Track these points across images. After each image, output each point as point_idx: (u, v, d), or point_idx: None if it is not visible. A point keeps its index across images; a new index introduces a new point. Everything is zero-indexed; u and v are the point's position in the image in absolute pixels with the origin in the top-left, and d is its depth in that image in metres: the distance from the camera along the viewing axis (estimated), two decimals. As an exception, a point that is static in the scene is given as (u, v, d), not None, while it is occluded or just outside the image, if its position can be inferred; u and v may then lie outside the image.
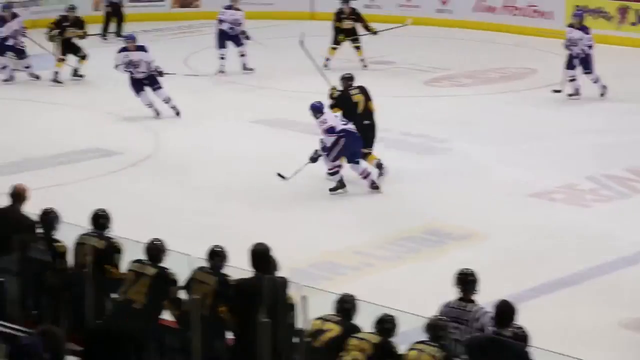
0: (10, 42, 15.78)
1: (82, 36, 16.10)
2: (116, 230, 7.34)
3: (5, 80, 15.82)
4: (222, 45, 16.58)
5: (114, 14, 19.72)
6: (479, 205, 10.86)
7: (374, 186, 11.21)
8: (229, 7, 16.84)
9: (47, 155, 12.22)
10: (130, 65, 13.84)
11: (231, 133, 13.21)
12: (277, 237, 7.48)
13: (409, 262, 9.45)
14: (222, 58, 16.58)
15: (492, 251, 9.54)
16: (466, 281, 6.61)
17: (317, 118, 11.11)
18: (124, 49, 14.05)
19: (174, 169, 11.88)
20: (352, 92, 11.68)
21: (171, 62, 15.69)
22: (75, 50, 16.02)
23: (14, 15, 16.07)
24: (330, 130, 10.96)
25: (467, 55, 17.99)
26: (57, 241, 7.25)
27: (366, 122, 11.54)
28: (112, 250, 7.15)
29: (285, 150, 12.41)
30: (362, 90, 11.74)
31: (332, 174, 11.11)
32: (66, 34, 16.05)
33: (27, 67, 16.03)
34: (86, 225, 7.26)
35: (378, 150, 11.68)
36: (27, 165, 11.79)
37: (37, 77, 15.97)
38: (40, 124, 13.67)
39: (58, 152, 12.32)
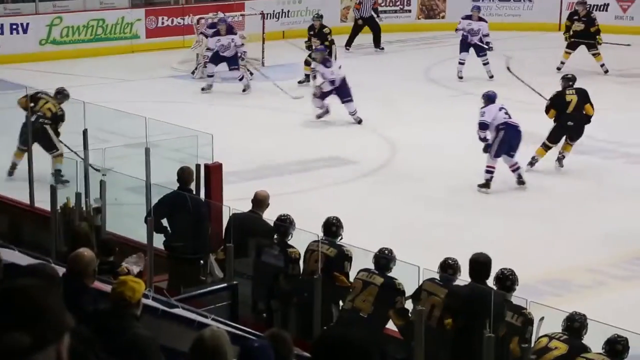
0: (226, 54, 16.25)
1: (328, 46, 16.25)
2: (347, 239, 7.52)
3: (203, 89, 16.21)
4: (462, 49, 16.92)
5: (370, 26, 19.96)
6: None
7: (521, 181, 11.47)
8: (467, 17, 17.06)
9: (285, 162, 12.61)
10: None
11: (462, 143, 13.09)
12: (507, 250, 7.42)
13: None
14: (460, 63, 16.73)
15: None
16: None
17: (481, 107, 11.55)
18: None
19: (408, 179, 11.99)
20: (568, 92, 12.08)
21: (412, 72, 15.86)
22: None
23: (230, 30, 16.54)
24: (481, 125, 11.47)
25: None
26: (292, 247, 7.48)
27: (570, 123, 11.96)
28: (343, 258, 7.29)
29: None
30: (580, 92, 12.03)
31: (487, 172, 11.43)
32: (311, 43, 16.56)
33: (240, 79, 16.39)
34: (319, 233, 7.47)
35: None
36: (265, 172, 12.19)
37: (244, 90, 16.27)
38: (280, 132, 14.10)
39: (297, 160, 12.70)
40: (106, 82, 16.81)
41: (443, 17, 21.92)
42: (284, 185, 11.52)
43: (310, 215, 8.22)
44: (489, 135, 11.51)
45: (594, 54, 16.95)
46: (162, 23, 19.64)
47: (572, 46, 17.13)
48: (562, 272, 9.29)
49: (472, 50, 16.86)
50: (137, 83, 16.83)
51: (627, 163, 12.61)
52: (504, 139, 11.32)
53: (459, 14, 20.86)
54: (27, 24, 18.46)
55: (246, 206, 8.08)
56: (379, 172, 12.37)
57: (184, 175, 8.28)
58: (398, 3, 21.85)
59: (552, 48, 18.58)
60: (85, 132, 9.44)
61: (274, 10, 20.46)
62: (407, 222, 10.50)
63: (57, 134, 11.16)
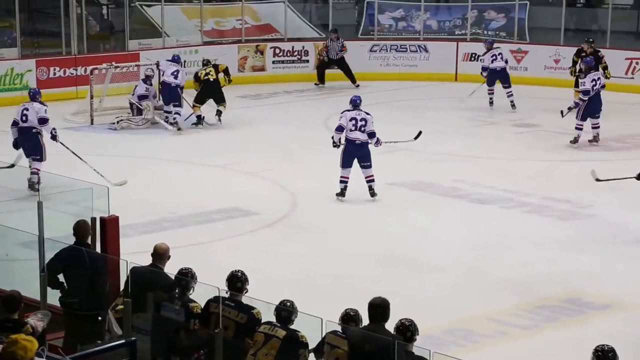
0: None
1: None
2: (251, 292, 7.46)
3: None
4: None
5: (341, 67, 21.09)
6: (623, 274, 10.63)
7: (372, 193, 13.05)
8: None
9: (186, 214, 12.52)
10: None
11: (365, 193, 13.23)
12: (409, 299, 7.45)
13: (547, 331, 9.29)
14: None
15: (636, 323, 9.29)
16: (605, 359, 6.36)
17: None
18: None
19: (310, 230, 12.03)
20: None
21: (312, 121, 15.80)
22: None
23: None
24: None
25: (618, 120, 17.69)
26: (193, 301, 7.39)
27: None
28: (254, 324, 7.14)
29: (423, 215, 12.50)
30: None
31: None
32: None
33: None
34: (221, 286, 7.38)
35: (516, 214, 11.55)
36: (165, 224, 12.10)
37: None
38: (179, 183, 14.04)
39: (197, 212, 12.62)
40: (-4, 135, 16.48)
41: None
42: (185, 237, 11.43)
43: (212, 268, 8.16)
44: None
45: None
46: (54, 74, 19.42)
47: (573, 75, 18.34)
48: (464, 322, 9.39)
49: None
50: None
51: (524, 212, 12.88)
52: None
53: (355, 64, 21.33)
54: None
55: (145, 260, 7.97)
56: (280, 222, 12.37)
57: (79, 229, 8.14)
58: (296, 53, 22.06)
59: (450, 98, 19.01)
60: (-26, 187, 9.23)
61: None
62: (310, 274, 10.51)
63: None
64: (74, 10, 19.98)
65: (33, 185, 12.59)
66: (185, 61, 20.62)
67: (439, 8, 23.48)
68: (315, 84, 21.29)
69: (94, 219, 8.43)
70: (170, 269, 7.77)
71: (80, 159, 13.57)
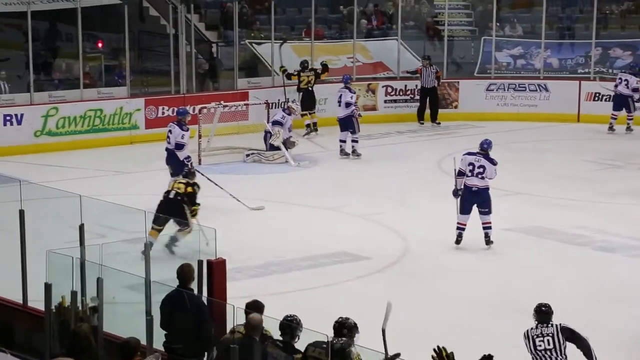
0: None
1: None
2: (361, 341, 7.42)
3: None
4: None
5: (430, 98, 21.29)
6: None
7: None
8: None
9: (292, 258, 12.60)
10: None
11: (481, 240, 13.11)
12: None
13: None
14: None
15: None
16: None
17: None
18: None
19: (423, 277, 11.97)
20: None
21: (424, 163, 15.76)
22: None
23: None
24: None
25: None
26: (298, 351, 7.37)
27: None
28: None
29: (542, 263, 12.32)
30: None
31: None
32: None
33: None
34: (330, 334, 7.37)
35: None
36: (272, 268, 12.20)
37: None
38: (287, 225, 14.14)
39: (305, 256, 12.69)
40: (104, 175, 16.91)
41: (456, 107, 22.14)
42: (291, 282, 11.50)
43: (320, 314, 8.16)
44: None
45: None
46: (163, 113, 19.84)
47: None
48: None
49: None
50: (136, 175, 16.94)
51: None
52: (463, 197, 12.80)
53: (471, 104, 21.26)
54: (22, 115, 18.65)
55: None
56: (391, 268, 12.34)
57: (183, 273, 8.27)
58: (409, 92, 22.08)
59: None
60: (81, 227, 9.44)
61: (278, 100, 20.68)
62: (422, 322, 10.43)
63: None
64: (183, 49, 20.43)
65: None
66: (294, 100, 20.87)
67: (561, 45, 23.23)
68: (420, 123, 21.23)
69: (200, 262, 8.55)
70: (277, 315, 7.81)
71: (216, 184, 14.21)
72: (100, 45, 21.79)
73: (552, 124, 21.12)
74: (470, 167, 12.84)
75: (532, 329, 8.35)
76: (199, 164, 17.60)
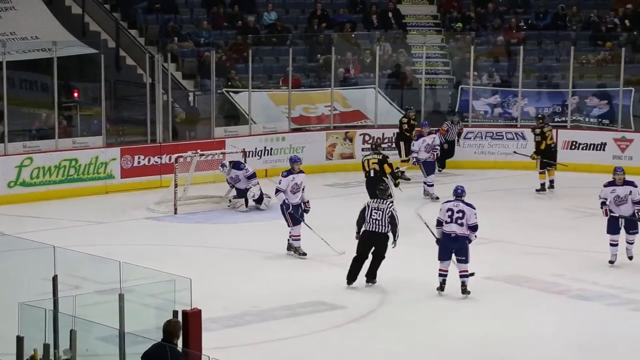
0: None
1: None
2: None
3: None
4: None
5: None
6: None
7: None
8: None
9: (269, 307, 12.55)
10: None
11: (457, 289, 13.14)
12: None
13: None
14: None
15: None
16: None
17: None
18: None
19: (399, 325, 11.96)
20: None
21: (400, 211, 15.91)
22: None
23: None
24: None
25: None
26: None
27: None
28: None
29: (520, 311, 12.34)
30: None
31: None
32: None
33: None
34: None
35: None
36: (248, 318, 12.14)
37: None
38: (262, 274, 14.10)
39: (281, 305, 12.66)
40: (78, 225, 16.87)
41: (433, 155, 22.21)
42: (267, 332, 11.47)
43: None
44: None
45: None
46: (139, 162, 19.86)
47: None
48: None
49: None
50: (110, 225, 16.91)
51: (631, 310, 12.63)
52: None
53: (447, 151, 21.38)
54: (-5, 166, 18.62)
55: (227, 355, 8.04)
56: (368, 317, 12.34)
57: (169, 328, 8.25)
58: (386, 140, 22.16)
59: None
60: (55, 279, 9.42)
61: (256, 148, 20.77)
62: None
63: None
64: (159, 97, 20.50)
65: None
66: (271, 149, 20.96)
67: (538, 94, 23.45)
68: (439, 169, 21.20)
69: (176, 312, 8.54)
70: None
71: (309, 227, 14.67)
72: (76, 95, 21.81)
73: (529, 172, 21.23)
74: (449, 213, 12.91)
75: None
76: (175, 213, 17.61)
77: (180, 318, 8.52)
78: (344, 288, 13.32)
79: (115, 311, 8.78)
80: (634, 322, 12.14)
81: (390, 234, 13.20)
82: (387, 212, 13.15)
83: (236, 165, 18.23)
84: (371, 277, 13.31)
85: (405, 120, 21.29)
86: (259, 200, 18.03)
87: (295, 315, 12.36)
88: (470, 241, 12.91)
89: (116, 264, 9.14)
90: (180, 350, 8.28)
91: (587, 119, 22.47)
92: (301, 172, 15.10)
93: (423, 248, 13.60)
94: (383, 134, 22.19)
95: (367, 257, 13.27)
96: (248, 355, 10.55)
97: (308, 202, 15.01)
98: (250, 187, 17.94)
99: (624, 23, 24.95)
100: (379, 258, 13.23)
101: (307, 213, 14.95)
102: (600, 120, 22.19)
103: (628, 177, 14.65)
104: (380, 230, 13.15)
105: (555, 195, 19.40)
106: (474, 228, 12.87)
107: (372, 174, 16.72)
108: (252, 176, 18.06)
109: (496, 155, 22.11)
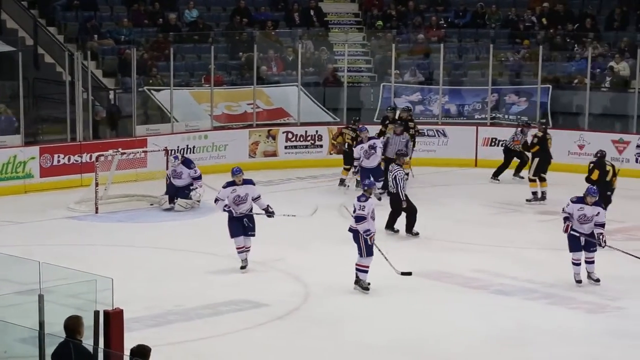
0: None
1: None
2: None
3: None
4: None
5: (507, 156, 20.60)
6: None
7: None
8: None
9: (192, 307, 12.52)
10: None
11: (384, 285, 13.25)
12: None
13: None
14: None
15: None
16: None
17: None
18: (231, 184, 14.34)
19: (323, 322, 12.01)
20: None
21: (327, 210, 15.92)
22: None
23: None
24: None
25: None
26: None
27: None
28: None
29: (441, 306, 12.47)
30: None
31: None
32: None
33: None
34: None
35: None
36: (171, 317, 12.09)
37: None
38: (185, 274, 14.04)
39: (205, 304, 12.62)
40: (-4, 225, 16.64)
41: (356, 153, 22.30)
42: (192, 332, 11.42)
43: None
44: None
45: None
46: (58, 161, 19.62)
47: None
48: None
49: None
50: (29, 225, 16.68)
51: (549, 304, 12.87)
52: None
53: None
54: None
55: (152, 355, 7.99)
56: (292, 314, 12.36)
57: (69, 324, 8.18)
58: (309, 138, 22.25)
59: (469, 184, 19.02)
60: (-28, 279, 9.30)
61: (178, 146, 20.64)
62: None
63: None
64: (79, 96, 20.27)
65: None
66: (194, 147, 20.87)
67: (458, 91, 23.70)
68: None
69: (97, 312, 8.46)
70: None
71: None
72: (-7, 92, 21.49)
73: (450, 169, 21.48)
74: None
75: None
76: (96, 212, 17.44)
77: (102, 318, 8.45)
78: (267, 286, 13.35)
79: (35, 312, 8.67)
80: (552, 316, 12.34)
81: (400, 193, 15.66)
82: (392, 175, 15.87)
83: (187, 162, 18.09)
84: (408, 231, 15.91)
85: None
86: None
87: (219, 314, 12.34)
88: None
89: (36, 264, 9.03)
90: (85, 346, 8.21)
91: (506, 116, 22.76)
92: (248, 182, 14.38)
93: (344, 244, 13.65)
94: (306, 131, 22.24)
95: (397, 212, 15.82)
96: (173, 355, 10.50)
97: (268, 205, 14.46)
98: (197, 188, 17.82)
99: (541, 21, 25.33)
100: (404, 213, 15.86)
101: (272, 217, 14.53)
102: (518, 117, 22.49)
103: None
104: (392, 191, 15.96)
105: (474, 190, 19.61)
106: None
107: (346, 147, 19.52)
108: (199, 178, 17.93)
109: (417, 152, 22.15)
